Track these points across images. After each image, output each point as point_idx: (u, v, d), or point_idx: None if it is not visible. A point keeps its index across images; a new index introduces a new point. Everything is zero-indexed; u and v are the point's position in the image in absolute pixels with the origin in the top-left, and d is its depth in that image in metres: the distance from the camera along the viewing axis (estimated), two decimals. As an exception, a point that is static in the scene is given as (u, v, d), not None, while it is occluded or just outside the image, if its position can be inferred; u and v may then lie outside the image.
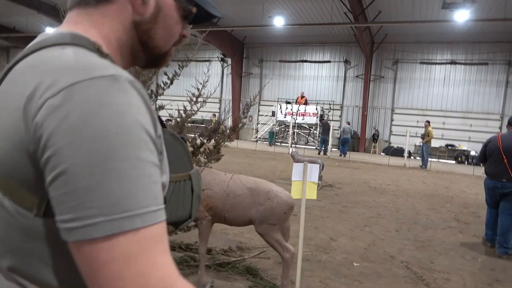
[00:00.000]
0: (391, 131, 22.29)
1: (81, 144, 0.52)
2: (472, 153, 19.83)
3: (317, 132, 21.43)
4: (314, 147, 21.36)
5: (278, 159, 14.77)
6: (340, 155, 18.28)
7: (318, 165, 3.28)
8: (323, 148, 18.82)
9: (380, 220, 6.33)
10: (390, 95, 22.27)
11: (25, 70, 0.62)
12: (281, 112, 21.72)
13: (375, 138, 21.90)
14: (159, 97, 4.27)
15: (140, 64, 0.80)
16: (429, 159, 16.22)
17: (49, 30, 0.71)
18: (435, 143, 20.71)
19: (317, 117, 21.00)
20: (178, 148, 0.80)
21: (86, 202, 0.52)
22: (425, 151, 15.77)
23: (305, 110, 21.24)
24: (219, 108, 26.24)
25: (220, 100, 26.33)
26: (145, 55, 0.78)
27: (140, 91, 0.61)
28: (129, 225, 0.53)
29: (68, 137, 0.52)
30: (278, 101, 23.05)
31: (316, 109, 21.19)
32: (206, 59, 26.50)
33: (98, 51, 0.65)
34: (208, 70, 4.91)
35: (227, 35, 22.86)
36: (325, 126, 18.99)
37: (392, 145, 21.76)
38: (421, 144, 16.39)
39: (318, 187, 8.97)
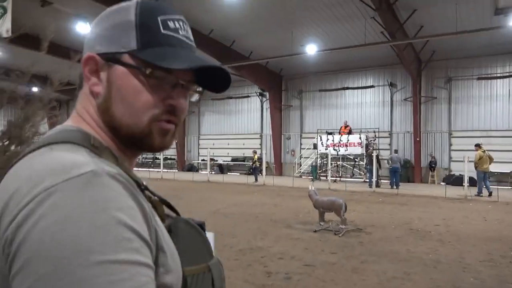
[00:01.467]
0: (450, 157, 19.71)
1: (48, 255, 0.47)
2: (554, 177, 16.71)
3: (364, 163, 19.52)
4: (362, 180, 19.41)
5: (313, 196, 13.22)
6: (392, 187, 16.26)
7: (213, 234, 2.01)
8: (372, 180, 16.99)
9: (405, 282, 4.68)
10: (445, 117, 19.90)
11: (10, 175, 0.58)
12: (322, 144, 20.17)
13: (432, 166, 19.43)
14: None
15: (125, 148, 0.70)
16: (498, 187, 13.81)
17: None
18: (506, 168, 17.90)
19: (361, 147, 19.17)
20: (195, 236, 0.71)
21: None
22: (479, 177, 14.18)
23: (348, 140, 19.52)
24: (260, 144, 25.29)
25: (261, 136, 25.43)
26: (120, 140, 0.68)
27: (126, 184, 0.56)
28: None
29: (34, 249, 0.48)
30: (318, 132, 21.57)
31: (360, 138, 19.38)
32: (245, 95, 26.08)
33: (92, 145, 0.61)
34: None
35: (262, 69, 22.23)
36: (369, 157, 17.18)
37: (453, 173, 19.15)
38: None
39: (340, 233, 7.46)
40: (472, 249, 6.29)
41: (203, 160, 25.99)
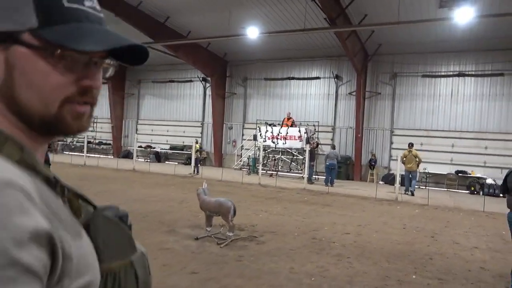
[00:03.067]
0: (390, 156, 19.12)
1: None
2: (489, 181, 16.44)
3: (302, 158, 18.54)
4: (301, 175, 18.43)
5: (233, 193, 12.00)
6: (326, 185, 15.35)
7: None
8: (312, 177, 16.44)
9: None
10: (388, 114, 19.26)
11: None
12: (261, 136, 18.96)
13: (372, 164, 18.79)
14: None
15: (37, 134, 0.62)
16: (433, 188, 13.38)
17: None
18: (443, 169, 17.55)
19: (301, 141, 18.13)
20: (115, 231, 0.66)
21: None
22: (405, 176, 14.35)
23: (287, 133, 18.42)
24: (201, 133, 23.78)
25: (202, 124, 23.89)
26: (31, 126, 0.60)
27: (23, 188, 0.50)
28: None
29: None
30: (257, 123, 20.36)
31: (299, 131, 18.33)
32: (188, 79, 24.38)
33: None
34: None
35: (203, 51, 20.62)
36: (310, 151, 16.16)
37: (392, 172, 18.57)
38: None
39: (223, 243, 6.20)
40: (370, 270, 5.20)
41: (140, 146, 24.15)
